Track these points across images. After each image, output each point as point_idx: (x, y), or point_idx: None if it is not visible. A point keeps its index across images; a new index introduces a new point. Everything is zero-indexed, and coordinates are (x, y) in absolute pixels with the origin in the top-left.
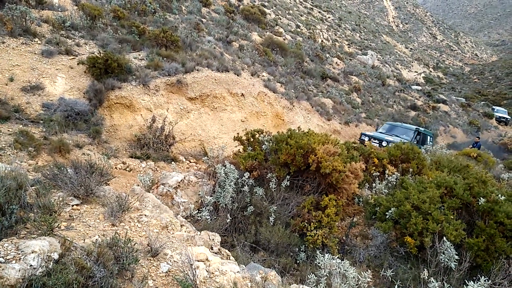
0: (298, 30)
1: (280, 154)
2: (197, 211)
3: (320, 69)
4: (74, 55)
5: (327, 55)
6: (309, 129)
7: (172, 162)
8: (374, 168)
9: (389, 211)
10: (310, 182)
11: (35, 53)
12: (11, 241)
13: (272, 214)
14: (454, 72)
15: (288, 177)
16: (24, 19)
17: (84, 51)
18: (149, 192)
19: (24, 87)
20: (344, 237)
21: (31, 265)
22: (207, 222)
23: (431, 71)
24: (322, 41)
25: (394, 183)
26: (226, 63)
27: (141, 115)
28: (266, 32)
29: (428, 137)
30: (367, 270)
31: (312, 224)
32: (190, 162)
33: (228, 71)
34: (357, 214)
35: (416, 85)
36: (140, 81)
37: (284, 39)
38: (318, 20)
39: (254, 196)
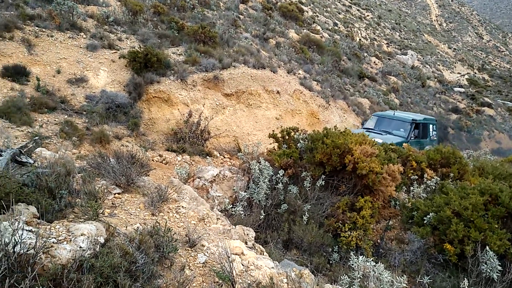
0: (336, 28)
1: (316, 153)
2: (231, 206)
3: (358, 68)
4: (116, 49)
5: (365, 54)
6: (346, 128)
7: (207, 157)
8: (412, 171)
9: (428, 216)
10: (346, 183)
11: (81, 47)
12: (62, 224)
13: (306, 213)
14: (501, 75)
15: (323, 176)
16: (71, 14)
17: (126, 46)
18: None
19: (70, 79)
20: (379, 240)
21: (80, 247)
22: (240, 217)
23: (475, 73)
24: (360, 39)
25: (434, 187)
26: (263, 60)
27: (178, 109)
28: (303, 29)
29: (430, 126)
30: (402, 275)
31: (346, 225)
32: (224, 157)
33: (264, 68)
34: (393, 217)
35: (459, 87)
36: (178, 76)
37: (321, 37)
38: (357, 18)
39: (288, 194)
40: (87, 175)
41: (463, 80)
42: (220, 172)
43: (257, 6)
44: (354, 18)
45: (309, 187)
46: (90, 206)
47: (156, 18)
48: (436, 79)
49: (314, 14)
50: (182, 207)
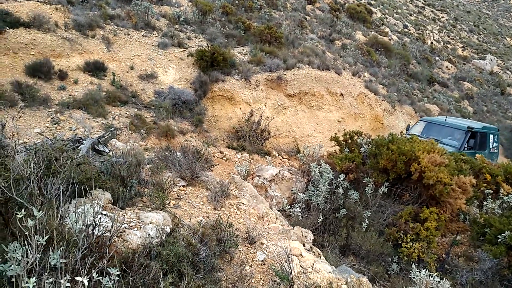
0: (406, 30)
1: (380, 159)
2: (289, 207)
3: (428, 73)
4: (185, 48)
5: (437, 58)
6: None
7: (266, 156)
8: (485, 185)
9: (503, 234)
10: (410, 192)
11: (153, 45)
12: (133, 211)
13: (366, 220)
14: None
15: (386, 183)
16: (146, 14)
17: (194, 44)
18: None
19: (141, 75)
20: (444, 255)
21: (149, 234)
22: (298, 218)
23: None
24: (432, 42)
25: (511, 204)
26: (327, 62)
27: (240, 108)
28: (371, 31)
29: (491, 136)
30: None
31: (408, 235)
32: (283, 157)
33: (329, 70)
34: (461, 232)
35: None
36: (242, 75)
37: (389, 40)
38: (430, 20)
39: (348, 199)
40: (155, 167)
41: None
42: (279, 172)
43: (324, 7)
44: (427, 20)
45: (370, 193)
46: (157, 196)
47: (224, 18)
48: None
49: (383, 15)
50: (243, 203)
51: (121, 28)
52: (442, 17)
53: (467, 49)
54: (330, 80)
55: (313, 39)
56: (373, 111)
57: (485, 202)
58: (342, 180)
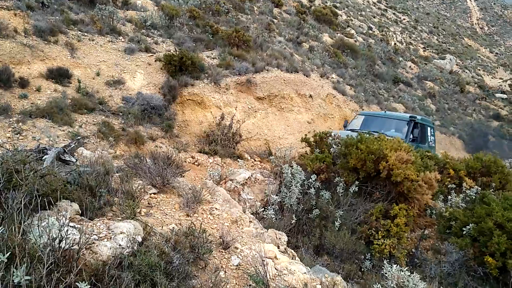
0: (370, 32)
1: (350, 159)
2: (263, 209)
3: (392, 73)
4: (152, 53)
5: (400, 58)
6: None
7: (238, 159)
8: (449, 179)
9: (467, 227)
10: (380, 190)
11: (119, 50)
12: (102, 221)
13: (338, 219)
14: None
15: (356, 182)
16: (111, 19)
17: (161, 49)
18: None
19: (108, 81)
20: (413, 250)
21: (120, 245)
22: (272, 220)
23: None
24: (395, 44)
25: (473, 197)
26: (296, 64)
27: (211, 112)
28: (337, 33)
29: (429, 129)
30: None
31: (379, 232)
32: (255, 160)
33: (298, 72)
34: (429, 226)
35: (501, 93)
36: (211, 79)
37: (355, 41)
38: (392, 22)
39: (320, 199)
40: (124, 175)
41: (505, 85)
42: (252, 175)
43: (291, 10)
44: (390, 22)
45: (342, 193)
46: (128, 205)
47: (192, 22)
48: (476, 85)
49: (349, 18)
50: (216, 208)
51: (85, 34)
52: (404, 19)
53: (428, 49)
54: (299, 82)
55: (281, 42)
56: (341, 111)
57: (449, 197)
58: (313, 181)
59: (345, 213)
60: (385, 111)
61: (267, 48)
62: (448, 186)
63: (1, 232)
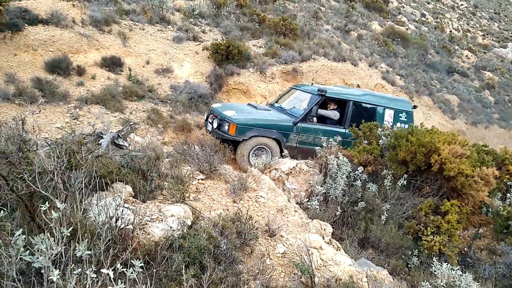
0: (424, 19)
1: (399, 151)
2: (307, 200)
3: (447, 63)
4: (199, 41)
5: (456, 47)
6: (433, 126)
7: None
8: (508, 176)
9: None
10: (430, 184)
11: (168, 39)
12: (154, 204)
13: (385, 213)
14: None
15: (405, 176)
16: (161, 8)
17: (209, 38)
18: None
19: (157, 70)
20: (466, 248)
21: (170, 227)
22: (316, 211)
23: None
24: (451, 31)
25: None
26: (343, 53)
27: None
28: (388, 21)
29: (388, 112)
30: None
31: (429, 228)
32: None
33: (345, 61)
34: (483, 225)
35: None
36: (257, 68)
37: (406, 29)
38: (448, 8)
39: (367, 191)
40: (174, 160)
41: None
42: (296, 165)
43: None
44: (445, 8)
45: (389, 186)
46: (177, 189)
47: (239, 11)
48: None
49: (400, 4)
50: (261, 196)
51: (137, 23)
52: (461, 4)
53: (488, 37)
54: (346, 71)
55: (329, 30)
56: None
57: (508, 194)
58: (360, 173)
59: (392, 207)
60: (312, 83)
61: (314, 37)
62: (507, 183)
63: (64, 208)
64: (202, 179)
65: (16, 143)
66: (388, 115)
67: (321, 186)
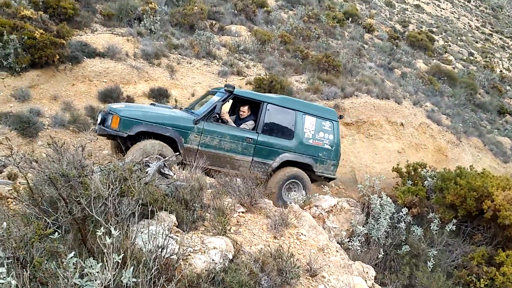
0: (472, 58)
1: (447, 194)
2: (348, 240)
3: (498, 103)
4: (243, 76)
5: (508, 87)
6: (484, 169)
7: (324, 186)
8: None
9: None
10: (483, 231)
11: (213, 73)
12: (196, 235)
13: (431, 259)
14: None
15: (454, 220)
16: (208, 44)
17: (252, 73)
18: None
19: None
20: None
21: (213, 260)
22: (357, 252)
23: None
24: (501, 71)
25: None
26: (387, 90)
27: None
28: (433, 59)
29: (309, 119)
30: None
31: (482, 280)
32: (339, 187)
33: (388, 99)
34: None
35: None
36: None
37: (453, 68)
38: (498, 48)
39: (411, 235)
40: (216, 192)
41: None
42: (337, 203)
43: (383, 35)
44: (495, 48)
45: (436, 230)
46: (219, 221)
47: (282, 47)
48: None
49: (446, 43)
50: (302, 234)
51: (184, 57)
52: None
53: None
54: (390, 109)
55: (372, 68)
56: (435, 142)
57: None
58: (404, 215)
59: (439, 253)
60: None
61: (357, 74)
62: None
63: (117, 235)
64: (242, 212)
65: (77, 168)
66: (309, 123)
67: (363, 226)
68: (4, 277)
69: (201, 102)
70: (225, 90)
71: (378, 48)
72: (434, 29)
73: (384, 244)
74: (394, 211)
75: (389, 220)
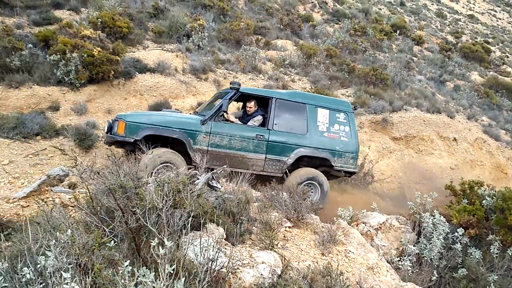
0: None
1: (508, 215)
2: (398, 259)
3: None
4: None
5: None
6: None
7: (373, 202)
8: None
9: None
10: None
11: (258, 87)
12: (245, 248)
13: (492, 285)
14: None
15: None
16: (254, 58)
17: (297, 86)
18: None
19: None
20: None
21: (261, 274)
22: (408, 273)
23: None
24: None
25: None
26: (438, 104)
27: None
28: (489, 71)
29: (322, 112)
30: None
31: None
32: (387, 203)
33: (440, 113)
34: None
35: None
36: None
37: None
38: None
39: (468, 257)
40: (262, 205)
41: None
42: (387, 220)
43: (433, 47)
44: None
45: (497, 254)
46: (266, 235)
47: (328, 61)
48: None
49: (503, 54)
50: (351, 251)
51: (230, 72)
52: None
53: None
54: (441, 123)
55: (421, 81)
56: (493, 159)
57: None
58: (460, 235)
59: (500, 279)
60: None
61: (406, 87)
62: None
63: (170, 246)
64: (289, 227)
65: (133, 179)
66: (322, 115)
67: (414, 246)
68: (68, 283)
69: (210, 106)
70: (230, 88)
71: (428, 61)
72: (490, 40)
73: (438, 266)
74: (449, 231)
75: (443, 240)
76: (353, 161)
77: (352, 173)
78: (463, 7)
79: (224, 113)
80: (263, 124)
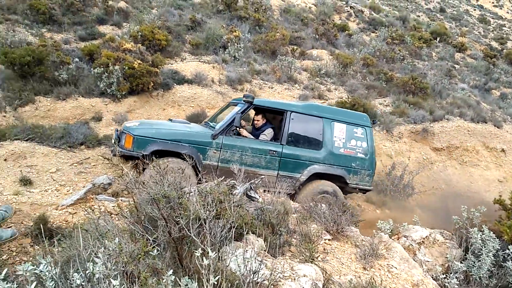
0: None
1: None
2: (443, 276)
3: None
4: (324, 99)
5: None
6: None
7: (414, 215)
8: None
9: None
10: None
11: (294, 97)
12: (285, 260)
13: None
14: None
15: None
16: (289, 68)
17: (334, 96)
18: None
19: None
20: None
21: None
22: None
23: None
24: None
25: None
26: (483, 113)
27: (381, 160)
28: None
29: (338, 125)
30: None
31: None
32: (429, 217)
33: (486, 122)
34: None
35: None
36: (384, 126)
37: None
38: None
39: None
40: (301, 217)
41: None
42: (430, 234)
43: (477, 54)
44: None
45: None
46: (306, 247)
47: (365, 70)
48: None
49: None
50: (393, 266)
51: (266, 82)
52: None
53: None
54: (487, 133)
55: (464, 89)
56: None
57: None
58: None
59: None
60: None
61: (447, 96)
62: None
63: (214, 257)
64: (328, 240)
65: (176, 189)
66: (339, 130)
67: (461, 262)
68: None
69: (222, 114)
70: (243, 100)
71: (472, 68)
72: None
73: (488, 285)
74: (499, 247)
75: (492, 257)
76: (369, 179)
77: (367, 191)
78: (508, 12)
79: (240, 130)
80: (274, 138)
